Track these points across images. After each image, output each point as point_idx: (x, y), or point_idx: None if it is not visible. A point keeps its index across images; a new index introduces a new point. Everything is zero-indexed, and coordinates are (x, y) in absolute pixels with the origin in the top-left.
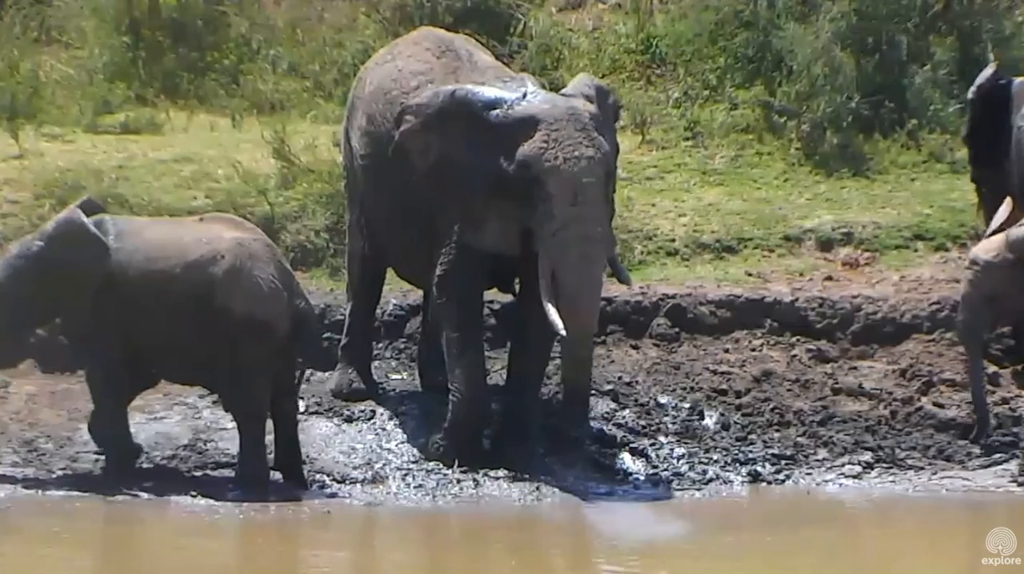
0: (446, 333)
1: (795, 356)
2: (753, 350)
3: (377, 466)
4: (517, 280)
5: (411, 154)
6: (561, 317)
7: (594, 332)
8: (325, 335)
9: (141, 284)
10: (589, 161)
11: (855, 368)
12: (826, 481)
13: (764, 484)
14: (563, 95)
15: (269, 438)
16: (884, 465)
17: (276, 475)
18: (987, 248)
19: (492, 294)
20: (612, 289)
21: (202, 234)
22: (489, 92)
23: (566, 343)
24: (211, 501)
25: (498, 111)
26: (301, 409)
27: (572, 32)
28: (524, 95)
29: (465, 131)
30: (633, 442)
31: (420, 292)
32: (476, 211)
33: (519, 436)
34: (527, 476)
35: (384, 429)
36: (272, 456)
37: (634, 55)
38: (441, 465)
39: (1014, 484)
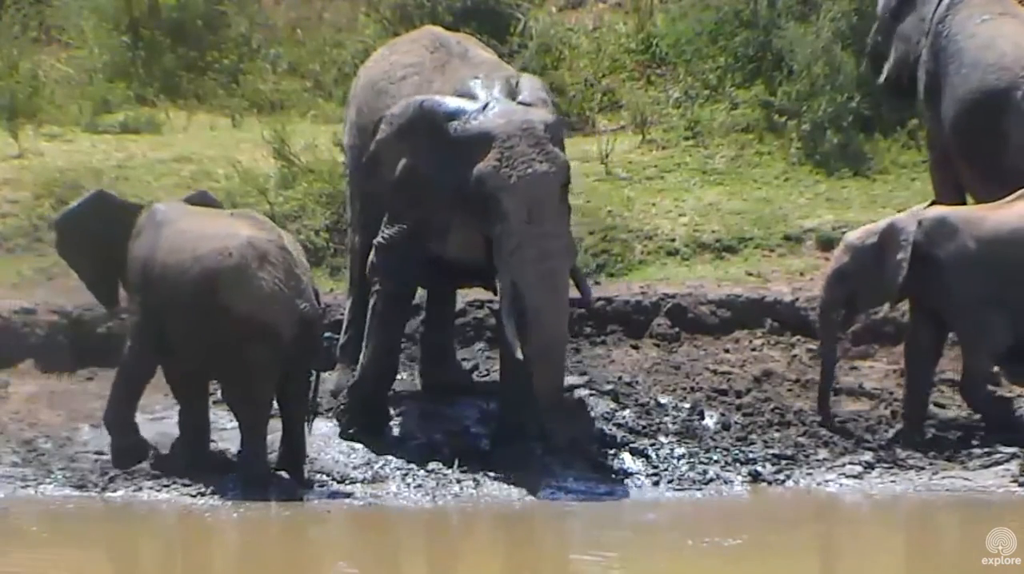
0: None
1: (795, 356)
2: (753, 350)
3: (377, 466)
4: None
5: (383, 163)
6: (528, 332)
7: (563, 345)
8: (325, 335)
9: (162, 274)
10: (544, 177)
11: (855, 368)
12: (826, 481)
13: (764, 484)
14: (521, 103)
15: (269, 438)
16: (884, 465)
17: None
18: (859, 232)
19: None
20: (612, 289)
21: (219, 230)
22: (452, 103)
23: (534, 355)
24: (211, 501)
25: (456, 124)
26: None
27: (572, 32)
28: (485, 107)
29: (428, 143)
30: (633, 442)
31: (420, 292)
32: (440, 221)
33: (517, 436)
34: (527, 476)
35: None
36: (276, 456)
37: (634, 55)
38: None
39: (1014, 484)
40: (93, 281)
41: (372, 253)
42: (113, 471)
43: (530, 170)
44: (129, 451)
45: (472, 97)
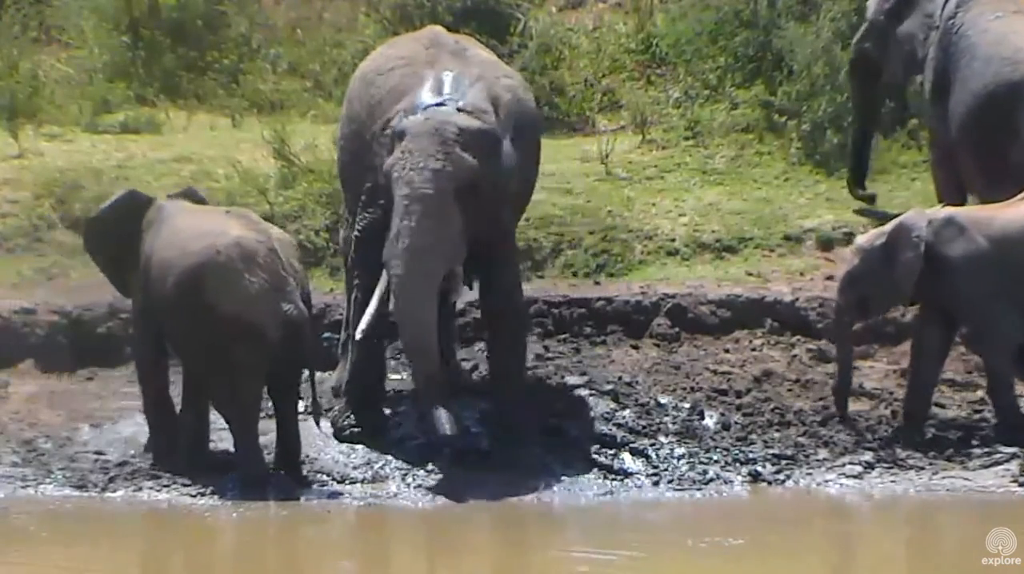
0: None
1: (795, 356)
2: (753, 350)
3: (377, 466)
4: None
5: None
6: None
7: (427, 338)
8: (325, 335)
9: (157, 272)
10: (433, 174)
11: (855, 368)
12: (827, 481)
13: (764, 484)
14: (460, 110)
15: (267, 438)
16: (884, 465)
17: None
18: (868, 235)
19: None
20: (612, 289)
21: (210, 228)
22: (418, 97)
23: (404, 348)
24: (211, 501)
25: (399, 115)
26: (300, 409)
27: (572, 32)
28: (427, 106)
29: None
30: (633, 442)
31: None
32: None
33: (513, 434)
34: (527, 476)
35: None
36: (273, 456)
37: (634, 55)
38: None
39: (1014, 484)
40: (114, 278)
41: (351, 247)
42: (113, 471)
43: (421, 165)
44: (162, 450)
45: (438, 93)
